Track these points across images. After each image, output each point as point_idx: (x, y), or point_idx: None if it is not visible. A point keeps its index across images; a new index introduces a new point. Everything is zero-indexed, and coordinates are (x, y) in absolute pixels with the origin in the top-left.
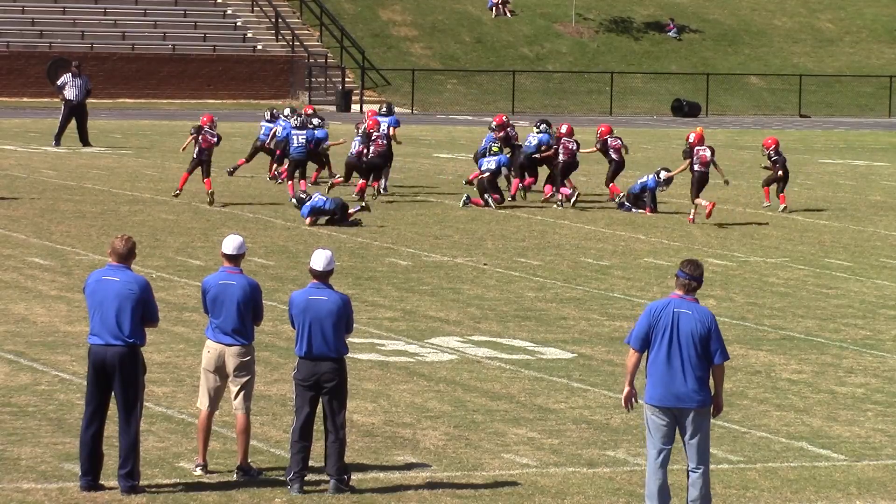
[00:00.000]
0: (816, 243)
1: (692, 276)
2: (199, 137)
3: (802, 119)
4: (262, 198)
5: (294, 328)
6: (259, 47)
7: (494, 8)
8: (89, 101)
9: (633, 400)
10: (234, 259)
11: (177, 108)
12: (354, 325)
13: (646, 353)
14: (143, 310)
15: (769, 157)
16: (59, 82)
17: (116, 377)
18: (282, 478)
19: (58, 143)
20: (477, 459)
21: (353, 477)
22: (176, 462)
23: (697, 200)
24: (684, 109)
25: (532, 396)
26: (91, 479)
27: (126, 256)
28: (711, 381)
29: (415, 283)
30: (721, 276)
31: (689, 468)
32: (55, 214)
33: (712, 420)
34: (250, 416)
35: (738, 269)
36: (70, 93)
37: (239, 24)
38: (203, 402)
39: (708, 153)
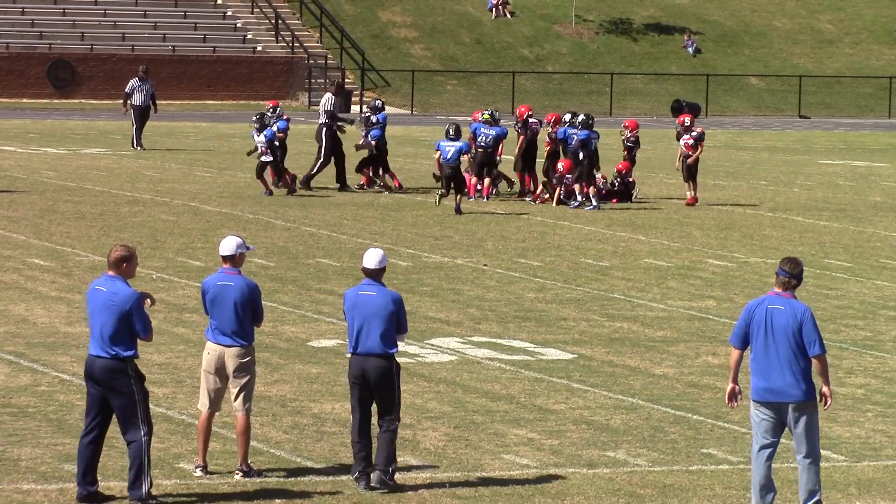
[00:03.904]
0: (816, 244)
1: (791, 274)
2: None
3: (802, 120)
4: (261, 198)
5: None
6: (259, 48)
7: (494, 9)
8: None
9: (737, 397)
10: (232, 260)
11: (177, 110)
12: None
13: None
14: (130, 323)
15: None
16: (126, 89)
17: (106, 389)
18: (282, 478)
19: (140, 146)
20: (477, 460)
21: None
22: (176, 463)
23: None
24: (684, 110)
25: (532, 397)
26: (89, 483)
27: (115, 265)
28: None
29: (415, 283)
30: (721, 277)
31: (797, 458)
32: (55, 215)
33: (821, 411)
34: (250, 416)
35: (738, 270)
36: (137, 97)
37: (239, 25)
38: (203, 404)
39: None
